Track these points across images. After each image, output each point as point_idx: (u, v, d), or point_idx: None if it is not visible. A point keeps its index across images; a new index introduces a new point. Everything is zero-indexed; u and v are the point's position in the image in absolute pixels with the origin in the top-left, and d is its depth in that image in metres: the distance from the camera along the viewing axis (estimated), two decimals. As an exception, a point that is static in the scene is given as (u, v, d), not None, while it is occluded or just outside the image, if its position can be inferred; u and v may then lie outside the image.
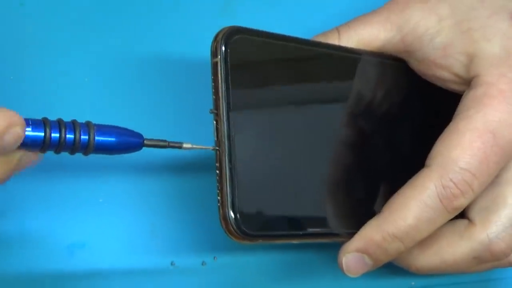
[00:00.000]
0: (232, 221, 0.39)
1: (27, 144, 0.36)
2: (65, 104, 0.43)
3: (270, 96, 0.41)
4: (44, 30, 0.43)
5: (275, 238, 0.41)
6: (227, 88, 0.39)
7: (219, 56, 0.39)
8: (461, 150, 0.41)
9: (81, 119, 0.38)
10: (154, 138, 0.39)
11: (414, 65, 0.45)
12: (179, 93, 0.45)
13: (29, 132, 0.36)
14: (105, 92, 0.44)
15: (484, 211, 0.43)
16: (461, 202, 0.41)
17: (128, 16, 0.45)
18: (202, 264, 0.46)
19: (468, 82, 0.43)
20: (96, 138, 0.37)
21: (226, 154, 0.39)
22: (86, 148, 0.37)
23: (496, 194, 0.43)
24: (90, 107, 0.44)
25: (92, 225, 0.43)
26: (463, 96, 0.43)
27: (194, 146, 0.40)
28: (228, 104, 0.39)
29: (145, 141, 0.39)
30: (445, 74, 0.44)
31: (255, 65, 0.41)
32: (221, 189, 0.39)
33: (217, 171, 0.39)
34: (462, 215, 0.44)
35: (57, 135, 0.36)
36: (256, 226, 0.40)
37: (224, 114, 0.39)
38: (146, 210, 0.45)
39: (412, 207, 0.41)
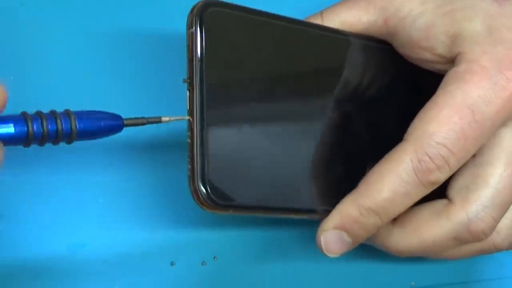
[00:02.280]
0: (202, 191, 0.39)
1: (12, 140, 0.36)
2: (65, 103, 0.43)
3: (245, 69, 0.41)
4: (44, 30, 0.43)
5: (247, 210, 0.41)
6: (201, 58, 0.39)
7: (194, 27, 0.39)
8: (438, 125, 0.41)
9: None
10: (137, 115, 0.39)
11: (398, 47, 0.45)
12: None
13: (12, 129, 0.36)
14: (105, 90, 0.44)
15: (464, 190, 0.43)
16: (437, 177, 0.41)
17: (128, 13, 0.45)
18: (202, 264, 0.46)
19: (452, 61, 0.43)
20: (78, 125, 0.37)
21: (198, 123, 0.39)
22: (69, 137, 0.37)
23: (477, 174, 0.43)
24: (88, 104, 0.44)
25: (92, 225, 0.43)
26: (446, 73, 0.43)
27: (172, 118, 0.40)
28: (201, 73, 0.39)
29: (125, 122, 0.39)
30: (428, 55, 0.44)
31: (231, 38, 0.41)
32: (191, 158, 0.39)
33: (188, 140, 0.39)
34: (443, 194, 0.44)
35: (40, 128, 0.36)
36: (227, 197, 0.40)
37: (197, 83, 0.39)
38: (146, 210, 0.45)
39: (388, 181, 0.41)
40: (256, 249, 0.47)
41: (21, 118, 0.36)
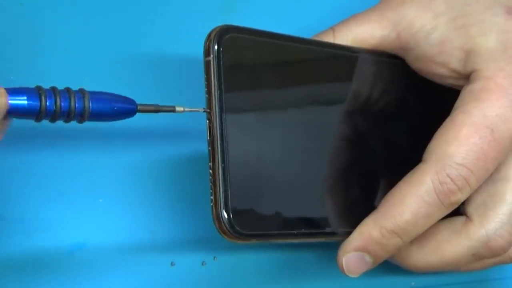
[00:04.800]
0: (225, 221, 0.39)
1: (24, 113, 0.36)
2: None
3: (264, 95, 0.41)
4: (44, 30, 0.43)
5: (269, 238, 0.41)
6: (220, 87, 0.39)
7: (211, 55, 0.39)
8: (458, 145, 0.41)
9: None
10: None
11: (411, 62, 0.45)
12: (178, 92, 0.45)
13: (24, 101, 0.36)
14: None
15: (481, 207, 0.43)
16: (458, 197, 0.41)
17: (128, 15, 0.45)
18: (202, 264, 0.46)
19: (466, 77, 0.43)
20: (91, 104, 0.37)
21: (219, 153, 0.39)
22: (81, 116, 0.37)
23: (494, 191, 0.43)
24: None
25: (92, 225, 0.43)
26: (461, 91, 0.43)
27: (186, 109, 0.39)
28: (220, 103, 0.39)
29: (138, 107, 0.39)
30: (442, 70, 0.44)
31: (248, 63, 0.41)
32: (214, 189, 0.39)
33: (210, 171, 0.39)
34: (460, 211, 0.44)
35: (53, 103, 0.36)
36: (250, 226, 0.39)
37: (217, 113, 0.39)
38: (146, 210, 0.45)
39: (409, 203, 0.41)
40: (256, 249, 0.47)
41: (35, 91, 0.36)
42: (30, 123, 0.37)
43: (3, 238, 0.42)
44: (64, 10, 0.44)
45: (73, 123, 0.37)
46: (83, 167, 0.43)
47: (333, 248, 0.44)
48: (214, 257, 0.46)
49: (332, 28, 0.45)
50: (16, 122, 0.37)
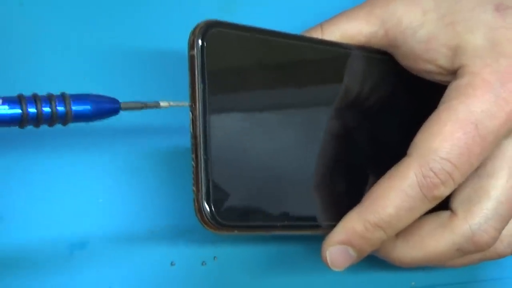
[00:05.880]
0: (207, 212, 0.39)
1: (6, 121, 0.36)
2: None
3: (248, 89, 0.41)
4: (44, 30, 0.43)
5: (251, 229, 0.41)
6: (203, 81, 0.39)
7: (195, 49, 0.39)
8: (442, 140, 0.41)
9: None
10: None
11: (399, 58, 0.45)
12: (177, 89, 0.45)
13: (6, 110, 0.36)
14: (108, 91, 0.44)
15: (466, 202, 0.43)
16: (442, 192, 0.41)
17: (127, 14, 0.45)
18: (202, 264, 0.46)
19: (454, 73, 0.43)
20: (73, 107, 0.37)
21: (202, 147, 0.39)
22: (64, 119, 0.37)
23: (479, 186, 0.43)
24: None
25: (92, 225, 0.43)
26: (448, 87, 0.43)
27: (171, 103, 0.40)
28: (203, 97, 0.39)
29: (121, 105, 0.39)
30: (430, 67, 0.44)
31: (233, 58, 0.40)
32: (196, 180, 0.39)
33: (193, 163, 0.39)
34: (445, 206, 0.44)
35: (34, 109, 0.37)
36: (232, 217, 0.40)
37: (200, 107, 0.39)
38: (146, 210, 0.45)
39: (392, 196, 0.41)
40: (256, 249, 0.47)
41: (15, 99, 0.37)
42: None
43: (3, 238, 0.42)
44: (63, 11, 0.44)
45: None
46: (83, 166, 0.43)
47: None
48: (214, 257, 0.46)
49: (320, 25, 0.45)
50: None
